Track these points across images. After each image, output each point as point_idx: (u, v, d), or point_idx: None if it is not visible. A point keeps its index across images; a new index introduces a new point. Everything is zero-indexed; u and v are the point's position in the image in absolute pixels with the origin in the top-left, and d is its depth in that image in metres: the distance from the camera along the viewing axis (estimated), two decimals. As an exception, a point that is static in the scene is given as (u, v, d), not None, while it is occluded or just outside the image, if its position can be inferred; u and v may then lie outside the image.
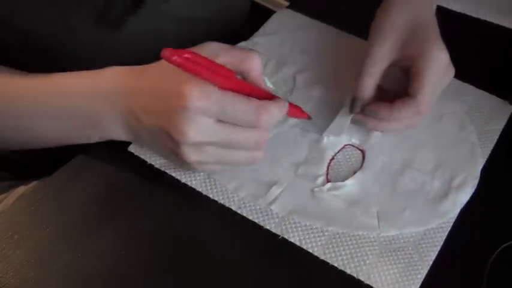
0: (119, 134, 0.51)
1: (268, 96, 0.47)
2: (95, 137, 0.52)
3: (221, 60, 0.46)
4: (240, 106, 0.45)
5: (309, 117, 0.54)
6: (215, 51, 0.46)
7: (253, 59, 0.47)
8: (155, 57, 0.49)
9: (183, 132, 0.44)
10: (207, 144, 0.46)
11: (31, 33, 0.56)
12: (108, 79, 0.49)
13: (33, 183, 0.60)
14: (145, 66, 0.49)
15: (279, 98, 0.48)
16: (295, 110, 0.52)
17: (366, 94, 0.55)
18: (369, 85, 0.54)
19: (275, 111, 0.46)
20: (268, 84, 0.50)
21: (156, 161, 0.54)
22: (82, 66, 0.51)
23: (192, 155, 0.47)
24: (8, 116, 0.53)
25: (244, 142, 0.47)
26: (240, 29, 0.72)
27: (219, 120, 0.45)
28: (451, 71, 0.55)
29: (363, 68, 0.55)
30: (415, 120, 0.55)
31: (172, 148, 0.47)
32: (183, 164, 0.49)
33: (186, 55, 0.42)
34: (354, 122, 0.56)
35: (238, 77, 0.48)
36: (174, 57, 0.41)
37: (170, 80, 0.45)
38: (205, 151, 0.47)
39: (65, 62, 0.52)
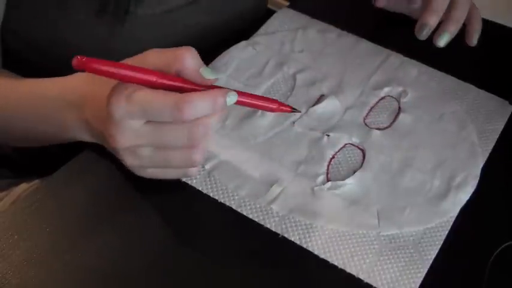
0: (86, 138, 0.52)
1: (205, 89, 0.44)
2: (68, 139, 0.53)
3: (151, 62, 0.44)
4: (158, 104, 0.42)
5: (294, 110, 0.51)
6: (144, 56, 0.45)
7: (182, 60, 0.44)
8: None
9: (114, 139, 0.44)
10: (141, 146, 0.45)
11: (37, 37, 0.57)
12: (72, 88, 0.51)
13: (33, 183, 0.60)
14: None
15: (219, 88, 0.45)
16: (253, 100, 0.48)
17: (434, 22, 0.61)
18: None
19: (198, 103, 0.42)
20: (208, 76, 0.45)
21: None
22: None
23: (129, 159, 0.46)
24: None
25: (176, 140, 0.45)
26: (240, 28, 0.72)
27: (149, 121, 0.44)
28: None
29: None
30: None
31: (115, 153, 0.47)
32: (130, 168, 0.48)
33: (95, 64, 0.40)
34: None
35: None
36: (81, 66, 0.40)
37: (108, 87, 0.44)
38: (141, 154, 0.46)
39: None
